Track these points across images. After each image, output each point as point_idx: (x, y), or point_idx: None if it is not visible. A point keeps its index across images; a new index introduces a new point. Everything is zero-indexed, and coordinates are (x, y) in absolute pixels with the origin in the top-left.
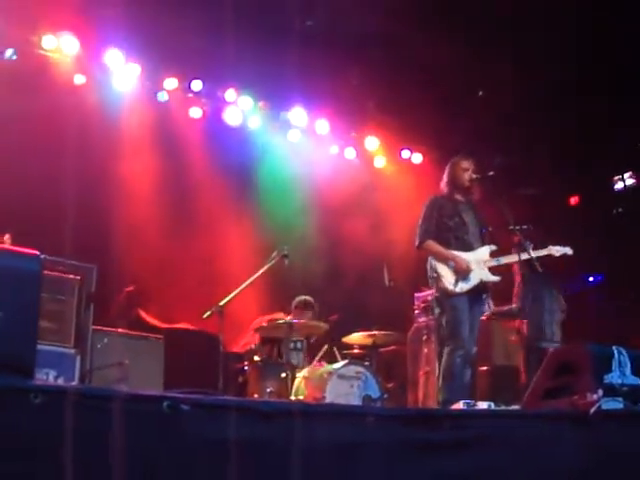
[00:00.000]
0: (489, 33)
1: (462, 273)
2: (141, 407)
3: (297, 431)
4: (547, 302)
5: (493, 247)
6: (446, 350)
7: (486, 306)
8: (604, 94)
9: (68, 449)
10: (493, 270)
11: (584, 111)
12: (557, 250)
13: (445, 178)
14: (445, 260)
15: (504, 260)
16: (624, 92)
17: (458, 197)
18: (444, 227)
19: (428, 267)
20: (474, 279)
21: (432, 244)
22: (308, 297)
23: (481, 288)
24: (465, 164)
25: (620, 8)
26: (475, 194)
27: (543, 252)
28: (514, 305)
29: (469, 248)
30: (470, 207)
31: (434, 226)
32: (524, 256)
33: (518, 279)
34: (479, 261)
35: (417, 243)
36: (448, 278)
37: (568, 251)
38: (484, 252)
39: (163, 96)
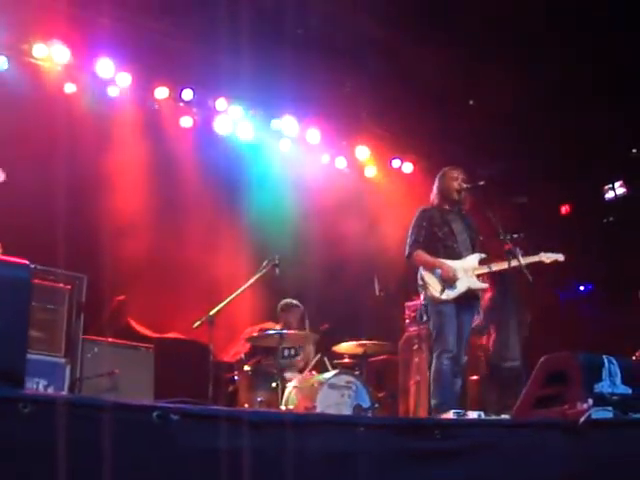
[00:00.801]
0: (480, 42)
1: (448, 281)
2: (131, 417)
3: (288, 441)
4: (513, 323)
5: (482, 255)
6: (434, 355)
7: (475, 316)
8: (595, 103)
9: (58, 459)
10: (482, 278)
11: (575, 120)
12: (548, 257)
13: (435, 189)
14: (432, 268)
15: (495, 267)
16: (615, 101)
17: (447, 207)
18: (433, 237)
19: (418, 276)
20: (461, 286)
21: (421, 254)
22: (292, 299)
23: (470, 296)
24: (454, 173)
25: (618, 13)
26: (465, 204)
27: (534, 258)
28: (478, 322)
29: (458, 256)
30: (460, 216)
31: (423, 236)
32: (514, 263)
33: (489, 295)
34: (467, 269)
35: (406, 254)
36: (434, 286)
37: (559, 257)
38: (473, 260)
39: (153, 105)
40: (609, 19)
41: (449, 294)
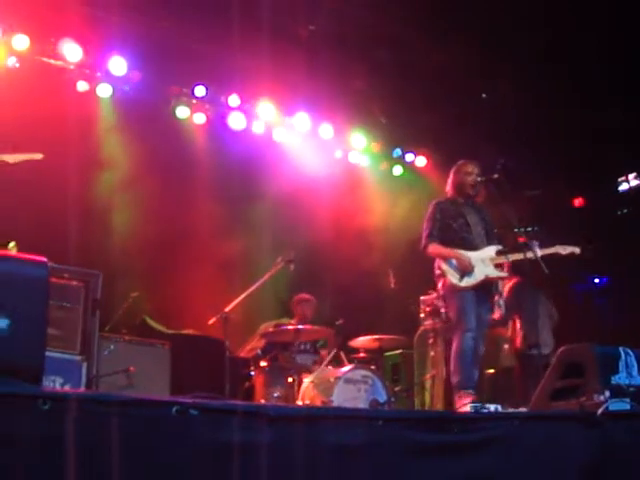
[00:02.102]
0: (493, 36)
1: (465, 270)
2: (150, 412)
3: (306, 435)
4: (542, 308)
5: (499, 247)
6: (457, 335)
7: (496, 308)
8: (609, 95)
9: (78, 454)
10: (500, 268)
11: (588, 112)
12: (564, 249)
13: (450, 182)
14: (448, 258)
15: (512, 257)
16: (628, 93)
17: (460, 199)
18: (448, 229)
19: (435, 266)
20: (479, 275)
21: (436, 246)
22: (305, 294)
23: (487, 285)
24: (469, 168)
25: (624, 8)
26: (479, 196)
27: (550, 250)
28: (499, 315)
29: (474, 248)
30: (475, 209)
31: (437, 229)
32: (530, 255)
33: (510, 285)
34: (484, 259)
35: (422, 247)
36: (453, 274)
37: (576, 250)
38: (490, 251)
39: (167, 101)
40: (620, 15)
41: (468, 281)
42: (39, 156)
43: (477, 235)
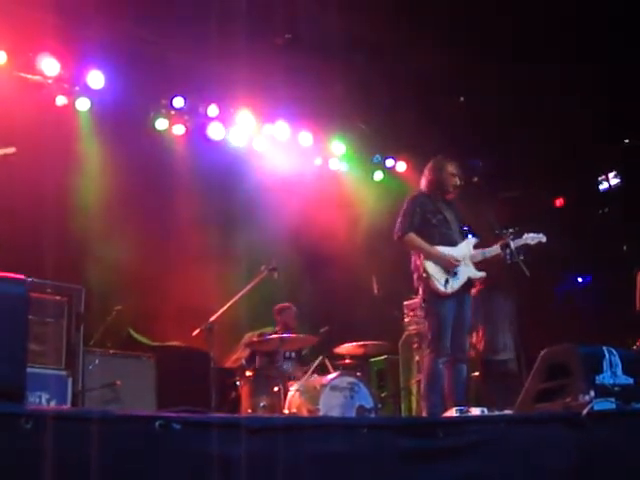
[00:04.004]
0: (471, 38)
1: (450, 267)
2: (133, 427)
3: (291, 445)
4: (502, 316)
5: (475, 239)
6: (428, 355)
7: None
8: (587, 95)
9: (61, 473)
10: (477, 266)
11: (568, 112)
12: (532, 238)
13: (428, 177)
14: (429, 256)
15: (488, 254)
16: (607, 92)
17: (439, 196)
18: (428, 223)
19: (414, 266)
20: (462, 276)
21: (414, 237)
22: (284, 303)
23: (468, 286)
24: (453, 168)
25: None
26: (453, 194)
27: (520, 242)
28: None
29: (453, 244)
30: (450, 206)
31: (418, 221)
32: (508, 256)
33: (475, 289)
34: (464, 257)
35: (398, 235)
36: (438, 278)
37: (542, 238)
38: (467, 246)
39: (146, 113)
40: (599, 16)
41: (453, 286)
42: (12, 150)
43: (455, 231)
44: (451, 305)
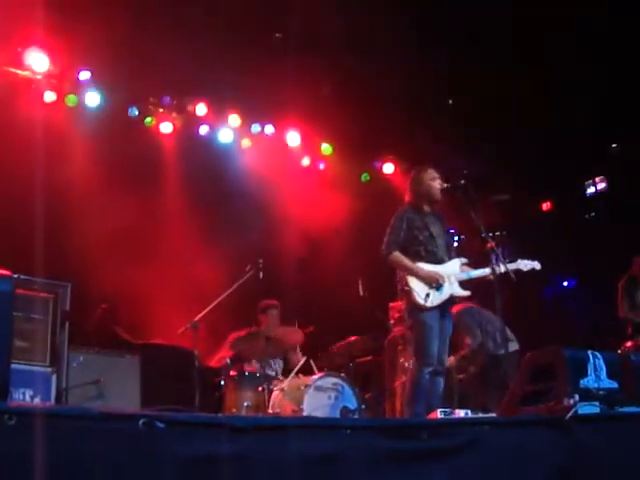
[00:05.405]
0: (460, 41)
1: (434, 283)
2: (117, 425)
3: (274, 446)
4: (488, 322)
5: (463, 260)
6: (414, 365)
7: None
8: (574, 100)
9: (44, 470)
10: (463, 285)
11: (555, 116)
12: (525, 265)
13: (411, 190)
14: (414, 275)
15: (474, 274)
16: (595, 96)
17: (425, 208)
18: (414, 240)
19: (398, 278)
20: (445, 293)
21: (399, 256)
22: (269, 300)
23: (449, 302)
24: (432, 173)
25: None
26: (439, 203)
27: (512, 266)
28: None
29: (439, 261)
30: (436, 218)
31: (403, 238)
32: (496, 269)
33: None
34: (449, 275)
35: (384, 254)
36: (419, 292)
37: (536, 266)
38: (454, 265)
39: (133, 112)
40: (586, 19)
41: (433, 301)
42: None
43: (440, 248)
44: (434, 315)
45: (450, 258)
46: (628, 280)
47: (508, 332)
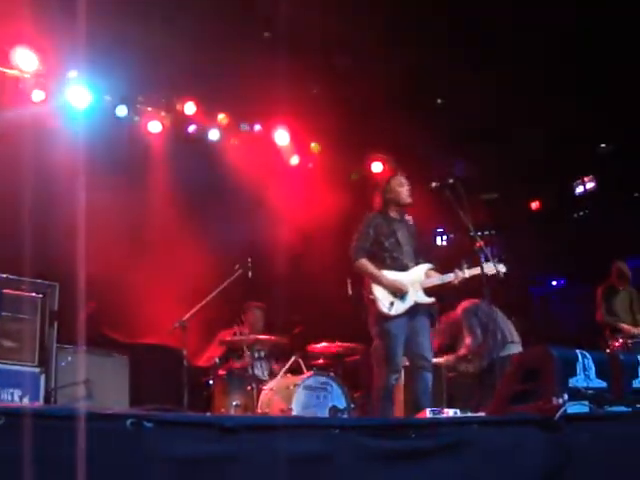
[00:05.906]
0: (449, 41)
1: (398, 292)
2: (105, 425)
3: (262, 445)
4: (493, 322)
5: (430, 265)
6: (380, 372)
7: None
8: (563, 99)
9: (32, 470)
10: (427, 291)
11: (544, 116)
12: (490, 268)
13: (380, 196)
14: (378, 282)
15: (439, 280)
16: (583, 96)
17: (393, 214)
18: (380, 246)
19: (364, 286)
20: (409, 301)
21: (365, 262)
22: (253, 301)
23: (414, 309)
24: (399, 179)
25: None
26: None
27: (474, 271)
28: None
29: (403, 268)
30: (404, 225)
31: (369, 244)
32: (460, 274)
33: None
34: (413, 282)
35: (351, 259)
36: (383, 300)
37: (501, 270)
38: (419, 272)
39: (122, 111)
40: (575, 19)
41: (397, 309)
42: None
43: (406, 254)
44: (400, 323)
45: (417, 264)
46: (608, 288)
47: (515, 335)
